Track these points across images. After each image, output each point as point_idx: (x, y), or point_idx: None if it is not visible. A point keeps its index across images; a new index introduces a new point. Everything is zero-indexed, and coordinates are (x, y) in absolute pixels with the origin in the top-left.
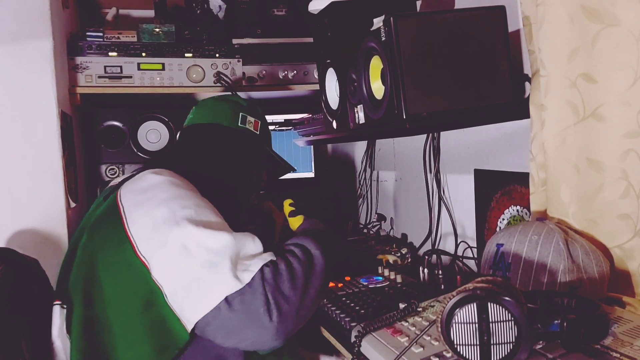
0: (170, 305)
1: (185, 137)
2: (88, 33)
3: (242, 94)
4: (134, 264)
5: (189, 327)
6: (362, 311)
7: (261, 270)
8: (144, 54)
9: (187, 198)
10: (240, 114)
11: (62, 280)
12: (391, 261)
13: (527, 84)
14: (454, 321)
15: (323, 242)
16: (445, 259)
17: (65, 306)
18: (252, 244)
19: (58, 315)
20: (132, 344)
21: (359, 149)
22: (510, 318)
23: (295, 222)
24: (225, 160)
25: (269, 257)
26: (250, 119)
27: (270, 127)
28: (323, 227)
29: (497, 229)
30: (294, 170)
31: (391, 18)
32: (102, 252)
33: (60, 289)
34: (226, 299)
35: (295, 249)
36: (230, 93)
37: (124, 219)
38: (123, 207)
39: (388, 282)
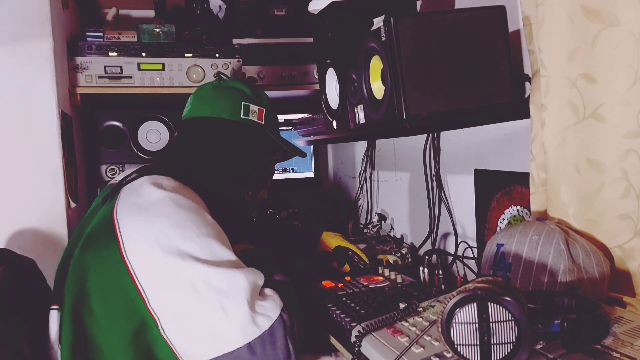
0: (166, 338)
1: (185, 133)
2: (88, 33)
3: None
4: (128, 291)
5: None
6: (362, 311)
7: (281, 317)
8: (144, 54)
9: (189, 227)
10: (243, 104)
11: (58, 285)
12: (391, 261)
13: (527, 84)
14: (454, 321)
15: (288, 274)
16: (445, 259)
17: (61, 311)
18: (260, 280)
19: (55, 319)
20: None
21: (359, 149)
22: (510, 318)
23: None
24: (230, 158)
25: (279, 300)
26: (254, 107)
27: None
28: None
29: (498, 229)
30: (304, 156)
31: (391, 18)
32: (93, 269)
33: (57, 293)
34: (249, 344)
35: (287, 289)
36: (229, 77)
37: (120, 240)
38: (119, 225)
39: (388, 282)
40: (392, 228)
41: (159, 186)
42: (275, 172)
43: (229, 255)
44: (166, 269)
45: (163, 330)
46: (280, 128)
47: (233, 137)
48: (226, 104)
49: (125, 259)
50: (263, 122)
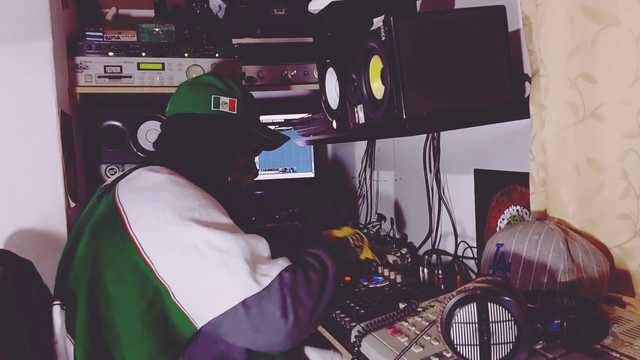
0: (177, 303)
1: (166, 131)
2: (88, 33)
3: None
4: (138, 264)
5: (200, 324)
6: (362, 311)
7: (280, 275)
8: (143, 54)
9: (191, 198)
10: (212, 97)
11: (60, 281)
12: (391, 261)
13: (527, 83)
14: (454, 321)
15: (336, 255)
16: (445, 259)
17: (64, 307)
18: (262, 246)
19: (58, 315)
20: (136, 343)
21: (359, 149)
22: (510, 318)
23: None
24: (206, 150)
25: (284, 262)
26: (224, 99)
27: (270, 127)
28: (339, 244)
29: (497, 228)
30: (286, 140)
31: (391, 18)
32: (106, 253)
33: (59, 289)
34: (244, 301)
35: (311, 259)
36: (208, 73)
37: (125, 219)
38: (122, 206)
39: (388, 282)
40: (392, 228)
41: (156, 171)
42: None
43: (228, 221)
44: (170, 236)
45: (174, 295)
46: (280, 128)
47: (205, 129)
48: (198, 99)
49: (132, 234)
50: (236, 112)
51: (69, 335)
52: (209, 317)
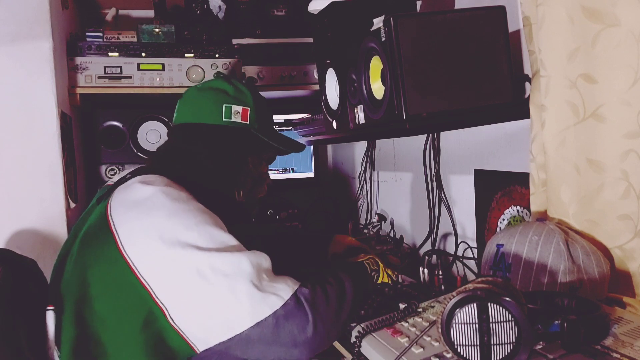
0: (175, 326)
1: (172, 140)
2: (88, 33)
3: None
4: (132, 284)
5: (201, 348)
6: (362, 311)
7: (296, 292)
8: (143, 54)
9: (185, 215)
10: (224, 106)
11: (54, 286)
12: (391, 261)
13: (527, 84)
14: (454, 322)
15: (354, 276)
16: (445, 259)
17: (56, 310)
18: (265, 262)
19: (52, 320)
20: None
21: (359, 149)
22: (510, 318)
23: None
24: (215, 164)
25: (293, 282)
26: (237, 108)
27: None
28: (356, 267)
29: (497, 229)
30: (301, 149)
31: (391, 18)
32: (93, 268)
33: (53, 294)
34: (257, 323)
35: (329, 277)
36: (219, 75)
37: (117, 237)
38: (114, 222)
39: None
40: (392, 228)
41: (149, 183)
42: (275, 172)
43: (229, 239)
44: (168, 260)
45: (172, 319)
46: (280, 128)
47: (215, 142)
48: (207, 108)
49: (124, 254)
50: (248, 122)
51: (56, 348)
52: (214, 341)
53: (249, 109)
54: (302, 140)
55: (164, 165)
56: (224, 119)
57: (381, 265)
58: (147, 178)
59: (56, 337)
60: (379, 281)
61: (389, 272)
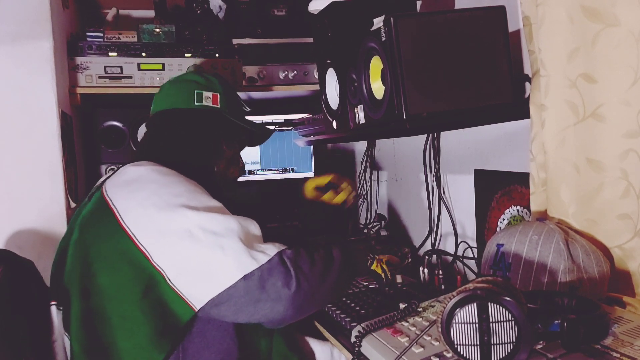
0: (174, 287)
1: (150, 129)
2: (88, 33)
3: (242, 94)
4: (131, 253)
5: (198, 306)
6: (363, 311)
7: (281, 251)
8: (144, 54)
9: (176, 185)
10: (195, 92)
11: (55, 280)
12: (391, 261)
13: (527, 84)
14: (454, 321)
15: (344, 249)
16: (445, 259)
17: (61, 308)
18: (254, 227)
19: (55, 315)
20: (131, 332)
21: (359, 149)
22: (510, 318)
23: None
24: (191, 145)
25: (280, 245)
26: (207, 94)
27: (270, 127)
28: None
29: (498, 229)
30: (271, 133)
31: (391, 18)
32: (95, 245)
33: (55, 289)
34: (243, 277)
35: (318, 247)
36: (191, 70)
37: (115, 211)
38: (111, 199)
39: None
40: (392, 228)
41: (139, 165)
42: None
43: (216, 204)
44: (162, 223)
45: (170, 281)
46: (280, 128)
47: (190, 123)
48: (180, 94)
49: (124, 225)
50: (219, 106)
51: (66, 333)
52: (207, 297)
53: (218, 94)
54: (302, 140)
55: (148, 153)
56: (195, 103)
57: (377, 258)
58: (136, 162)
59: (65, 324)
60: (372, 268)
61: (384, 266)
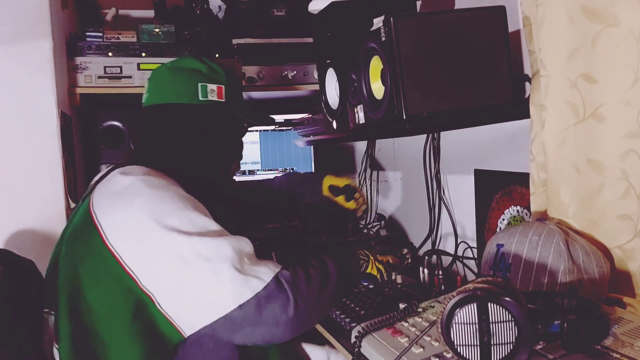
0: (163, 312)
1: (148, 124)
2: (88, 33)
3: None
4: (117, 275)
5: (188, 332)
6: (362, 311)
7: (277, 274)
8: (143, 54)
9: (166, 201)
10: (199, 85)
11: (50, 286)
12: (391, 261)
13: (527, 84)
14: (454, 322)
15: (338, 259)
16: (445, 259)
17: (52, 313)
18: (247, 246)
19: (48, 322)
20: (124, 351)
21: (359, 149)
22: (510, 318)
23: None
24: (195, 143)
25: (275, 266)
26: (212, 86)
27: (270, 127)
28: (344, 253)
29: (497, 229)
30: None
31: (391, 18)
32: (82, 264)
33: (48, 296)
34: (239, 306)
35: (312, 260)
36: (187, 55)
37: (100, 229)
38: (96, 215)
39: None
40: (392, 228)
41: (128, 174)
42: (276, 171)
43: (210, 223)
44: (150, 247)
45: (159, 304)
46: (280, 128)
47: (195, 121)
48: (183, 88)
49: (109, 245)
50: (224, 100)
51: (56, 345)
52: (199, 325)
53: (223, 87)
54: (302, 140)
55: (144, 155)
56: (200, 98)
57: (371, 257)
58: (125, 169)
59: (56, 335)
60: (367, 271)
61: (379, 266)
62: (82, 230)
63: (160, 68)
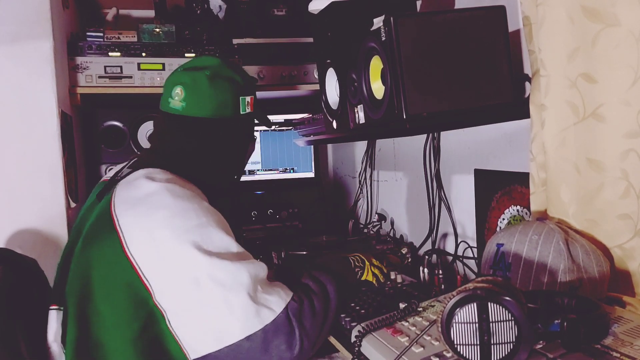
0: (172, 331)
1: (178, 133)
2: (88, 33)
3: None
4: (135, 286)
5: (193, 357)
6: (363, 311)
7: (287, 307)
8: (144, 54)
9: (189, 215)
10: (240, 98)
11: (58, 285)
12: (391, 261)
13: (527, 84)
14: (454, 321)
15: (338, 281)
16: (445, 259)
17: (62, 308)
18: (262, 271)
19: (54, 319)
20: None
21: (359, 149)
22: (510, 318)
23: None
24: (226, 155)
25: (286, 292)
26: (247, 98)
27: (270, 127)
28: (340, 267)
29: (497, 228)
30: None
31: (391, 18)
32: (97, 269)
33: (57, 293)
34: (247, 337)
35: (314, 286)
36: (221, 63)
37: (122, 237)
38: (118, 220)
39: (388, 282)
40: (392, 228)
41: (153, 179)
42: (276, 172)
43: (230, 244)
44: (170, 263)
45: (170, 323)
46: (280, 128)
47: (233, 134)
48: (226, 102)
49: (128, 254)
50: (254, 111)
51: (62, 346)
52: (205, 351)
53: (253, 97)
54: (302, 140)
55: (168, 159)
56: (241, 112)
57: (367, 263)
58: (150, 173)
59: (63, 333)
60: (363, 278)
61: (375, 272)
62: (101, 230)
63: (198, 77)
